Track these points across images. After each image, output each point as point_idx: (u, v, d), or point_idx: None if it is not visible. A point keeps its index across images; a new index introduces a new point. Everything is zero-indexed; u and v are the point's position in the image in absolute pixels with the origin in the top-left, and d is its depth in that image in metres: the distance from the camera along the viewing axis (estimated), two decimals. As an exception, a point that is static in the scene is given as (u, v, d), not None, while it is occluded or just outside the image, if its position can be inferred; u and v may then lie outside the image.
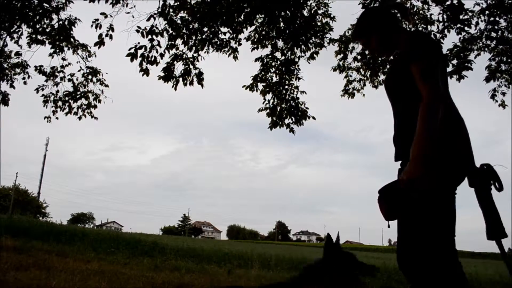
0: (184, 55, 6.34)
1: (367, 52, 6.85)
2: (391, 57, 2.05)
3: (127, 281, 4.26)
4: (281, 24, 6.34)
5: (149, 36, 5.80)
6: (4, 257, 4.88)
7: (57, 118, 7.45)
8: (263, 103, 6.80)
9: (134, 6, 5.88)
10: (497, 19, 5.89)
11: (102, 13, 5.65)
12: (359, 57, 7.10)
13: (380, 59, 6.66)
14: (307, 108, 6.70)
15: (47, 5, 6.33)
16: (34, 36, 6.61)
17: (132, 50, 5.72)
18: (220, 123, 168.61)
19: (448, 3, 5.51)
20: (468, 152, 1.63)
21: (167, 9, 5.97)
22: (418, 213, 1.57)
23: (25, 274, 3.94)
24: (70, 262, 5.56)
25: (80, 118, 7.44)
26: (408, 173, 1.51)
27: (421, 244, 1.56)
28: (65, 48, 7.09)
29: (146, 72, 5.85)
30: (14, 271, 4.05)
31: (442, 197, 1.58)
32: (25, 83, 7.55)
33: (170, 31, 6.03)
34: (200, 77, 6.42)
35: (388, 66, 6.23)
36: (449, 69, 6.00)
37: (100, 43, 5.78)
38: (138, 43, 5.74)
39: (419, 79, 1.60)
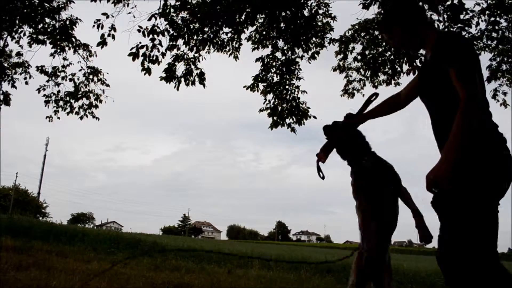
0: (185, 56, 6.35)
1: (367, 52, 6.86)
2: (423, 57, 2.03)
3: (127, 281, 4.26)
4: (282, 24, 6.35)
5: (150, 36, 5.80)
6: (4, 257, 4.88)
7: (58, 118, 7.48)
8: (264, 103, 6.81)
9: (135, 6, 5.90)
10: (498, 19, 5.89)
11: (103, 13, 5.66)
12: (359, 57, 7.10)
13: (380, 59, 6.66)
14: (308, 107, 6.72)
15: (48, 5, 6.34)
16: (35, 36, 6.62)
17: (134, 50, 5.72)
18: (222, 124, 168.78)
19: (448, 3, 5.51)
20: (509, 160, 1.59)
21: (168, 9, 5.97)
22: (465, 215, 1.54)
23: (25, 274, 3.94)
24: (70, 262, 5.56)
25: (81, 118, 7.46)
26: (435, 171, 1.51)
27: (468, 246, 1.52)
28: (66, 48, 7.10)
29: (148, 71, 5.86)
30: (14, 271, 4.05)
31: (489, 202, 1.56)
32: (26, 83, 7.58)
33: (171, 32, 6.04)
34: (201, 77, 6.43)
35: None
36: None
37: (102, 43, 5.78)
38: (140, 42, 5.75)
39: (457, 81, 1.58)
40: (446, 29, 5.86)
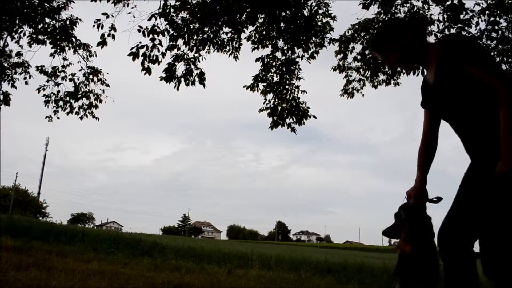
0: (185, 56, 6.35)
1: (367, 52, 6.86)
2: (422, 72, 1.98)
3: (127, 281, 4.26)
4: (282, 24, 6.35)
5: (151, 36, 5.80)
6: (4, 257, 4.88)
7: (58, 118, 7.47)
8: (264, 103, 6.81)
9: (135, 6, 5.89)
10: (498, 19, 5.89)
11: (103, 13, 5.65)
12: (359, 57, 7.11)
13: (380, 59, 6.66)
14: (308, 107, 6.71)
15: (48, 5, 6.34)
16: (35, 36, 6.62)
17: (134, 50, 5.71)
18: (222, 124, 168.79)
19: (448, 3, 5.52)
20: None
21: (168, 9, 5.97)
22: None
23: (25, 274, 3.93)
24: (70, 262, 5.56)
25: (81, 118, 7.45)
26: (506, 165, 1.44)
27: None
28: (66, 48, 7.10)
29: (148, 71, 5.85)
30: (14, 271, 4.05)
31: None
32: (26, 83, 7.57)
33: (171, 32, 6.03)
34: (201, 77, 6.42)
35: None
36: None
37: (102, 43, 5.78)
38: (140, 42, 5.74)
39: (488, 76, 1.54)
40: (444, 29, 5.88)
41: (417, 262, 1.86)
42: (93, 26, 5.71)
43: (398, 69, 5.76)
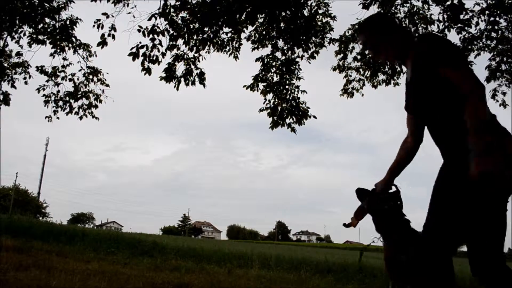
0: (185, 56, 6.34)
1: (367, 52, 6.86)
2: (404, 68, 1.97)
3: (127, 281, 4.26)
4: (282, 24, 6.35)
5: (150, 36, 5.80)
6: (4, 257, 4.88)
7: (58, 118, 7.47)
8: (264, 103, 6.81)
9: (135, 6, 5.89)
10: (497, 19, 5.89)
11: (103, 13, 5.65)
12: (359, 57, 7.11)
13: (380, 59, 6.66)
14: (308, 107, 6.71)
15: (48, 5, 6.34)
16: (35, 36, 6.61)
17: (134, 50, 5.71)
18: (222, 124, 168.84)
19: (448, 3, 5.52)
20: None
21: (168, 9, 5.96)
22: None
23: (25, 274, 3.94)
24: (70, 262, 5.56)
25: (81, 118, 7.44)
26: (477, 168, 1.43)
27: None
28: (66, 48, 7.10)
29: (148, 71, 5.85)
30: (14, 271, 4.05)
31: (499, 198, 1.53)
32: (26, 83, 7.57)
33: (171, 32, 6.03)
34: (201, 77, 6.42)
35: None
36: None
37: (102, 43, 5.78)
38: (140, 42, 5.74)
39: (457, 77, 1.56)
40: (444, 29, 5.88)
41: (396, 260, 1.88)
42: (93, 26, 5.71)
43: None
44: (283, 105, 6.78)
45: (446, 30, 5.92)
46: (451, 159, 1.66)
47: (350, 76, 7.45)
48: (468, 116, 1.49)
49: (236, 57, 6.85)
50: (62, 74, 7.38)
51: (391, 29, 1.83)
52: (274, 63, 6.85)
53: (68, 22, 6.68)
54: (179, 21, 6.09)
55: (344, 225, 2.09)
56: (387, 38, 1.81)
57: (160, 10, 5.87)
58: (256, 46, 6.80)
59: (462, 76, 1.56)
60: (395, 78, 7.11)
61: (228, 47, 6.73)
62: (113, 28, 5.78)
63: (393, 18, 1.96)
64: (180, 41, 6.17)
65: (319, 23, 6.83)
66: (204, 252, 9.83)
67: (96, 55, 7.31)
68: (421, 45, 1.71)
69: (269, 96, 6.81)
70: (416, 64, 1.72)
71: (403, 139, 1.98)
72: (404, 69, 1.93)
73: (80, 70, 7.39)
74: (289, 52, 6.75)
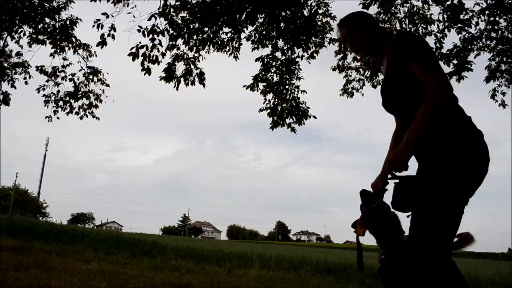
0: (185, 55, 6.34)
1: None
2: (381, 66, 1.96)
3: (127, 281, 4.27)
4: (282, 24, 6.34)
5: (150, 36, 5.80)
6: (4, 257, 4.88)
7: (58, 118, 7.47)
8: (264, 103, 6.81)
9: (135, 6, 5.89)
10: (497, 19, 5.89)
11: (103, 13, 5.65)
12: (358, 57, 7.11)
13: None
14: (308, 107, 6.71)
15: (48, 5, 6.34)
16: (35, 36, 6.62)
17: (134, 50, 5.71)
18: (222, 124, 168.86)
19: (448, 3, 5.52)
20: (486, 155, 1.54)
21: (168, 9, 5.96)
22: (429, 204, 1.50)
23: (25, 274, 3.94)
24: (70, 262, 5.57)
25: (81, 118, 7.45)
26: (396, 153, 1.51)
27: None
28: (66, 48, 7.10)
29: (148, 71, 5.85)
30: (14, 271, 4.06)
31: (458, 197, 1.50)
32: (26, 83, 7.57)
33: (171, 31, 6.03)
34: (201, 77, 6.42)
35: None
36: (449, 69, 6.01)
37: (102, 43, 5.78)
38: (140, 42, 5.74)
39: (422, 71, 1.55)
40: (444, 29, 5.87)
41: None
42: (93, 26, 5.72)
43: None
44: (283, 105, 6.78)
45: (446, 30, 5.93)
46: (418, 155, 1.66)
47: (350, 76, 7.47)
48: (419, 113, 1.49)
49: (236, 57, 6.85)
50: (62, 74, 7.40)
51: (369, 23, 1.85)
52: (274, 63, 6.85)
53: (68, 22, 6.68)
54: (179, 21, 6.09)
55: (353, 228, 1.95)
56: (364, 32, 1.83)
57: (160, 10, 5.87)
58: (256, 46, 6.80)
59: (427, 71, 1.55)
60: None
61: (228, 47, 6.73)
62: (113, 28, 5.79)
63: (371, 15, 1.95)
64: (180, 41, 6.18)
65: (319, 23, 6.83)
66: (204, 252, 9.83)
67: (96, 55, 7.33)
68: (395, 41, 1.72)
69: (269, 96, 6.81)
70: (389, 60, 1.73)
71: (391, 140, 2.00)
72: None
73: (80, 70, 7.42)
74: (289, 52, 6.75)
